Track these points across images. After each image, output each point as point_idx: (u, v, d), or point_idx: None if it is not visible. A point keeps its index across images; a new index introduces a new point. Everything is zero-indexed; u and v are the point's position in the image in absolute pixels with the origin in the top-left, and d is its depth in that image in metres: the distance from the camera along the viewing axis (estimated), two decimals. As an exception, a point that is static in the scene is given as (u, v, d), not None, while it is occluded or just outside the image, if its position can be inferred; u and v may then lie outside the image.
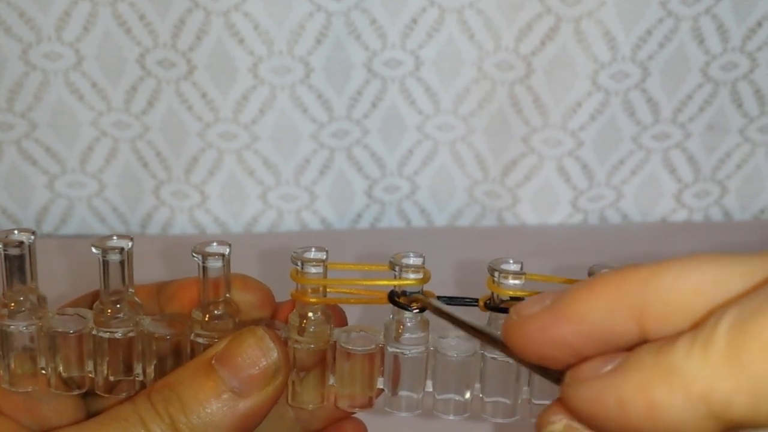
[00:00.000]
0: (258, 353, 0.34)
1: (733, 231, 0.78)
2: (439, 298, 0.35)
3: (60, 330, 0.36)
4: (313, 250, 0.35)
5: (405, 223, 0.79)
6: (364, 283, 0.35)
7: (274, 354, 0.34)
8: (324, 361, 0.37)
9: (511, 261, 0.35)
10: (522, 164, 0.76)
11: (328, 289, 0.36)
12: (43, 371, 0.37)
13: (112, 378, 0.37)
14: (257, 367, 0.34)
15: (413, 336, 0.36)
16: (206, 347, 0.35)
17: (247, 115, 0.73)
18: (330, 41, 0.71)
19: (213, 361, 0.34)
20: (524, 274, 0.34)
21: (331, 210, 0.78)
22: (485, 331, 0.32)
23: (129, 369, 0.37)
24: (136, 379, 0.37)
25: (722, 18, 0.71)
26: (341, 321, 0.39)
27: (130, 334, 0.36)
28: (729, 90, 0.74)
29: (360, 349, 0.36)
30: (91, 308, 0.37)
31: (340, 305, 0.39)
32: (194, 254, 0.35)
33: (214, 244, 0.36)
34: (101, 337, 0.36)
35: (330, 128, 0.74)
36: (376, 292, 0.35)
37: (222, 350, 0.34)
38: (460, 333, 0.36)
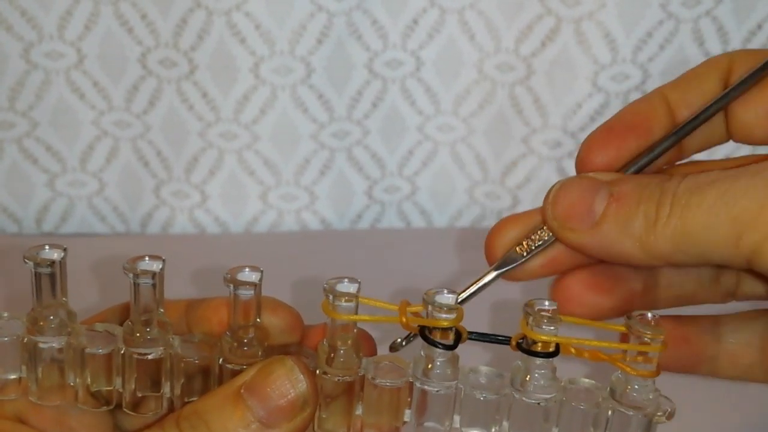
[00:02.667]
0: (287, 384, 0.34)
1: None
2: (470, 334, 0.36)
3: (90, 351, 0.36)
4: (346, 281, 0.35)
5: (405, 223, 0.79)
6: (395, 320, 0.35)
7: (303, 386, 0.34)
8: (352, 389, 0.36)
9: (547, 302, 0.35)
10: (522, 165, 0.77)
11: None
12: (71, 384, 0.37)
13: (139, 394, 0.37)
14: (286, 399, 0.34)
15: (442, 372, 0.35)
16: (235, 373, 0.35)
17: (248, 115, 0.73)
18: (331, 41, 0.71)
19: (242, 391, 0.34)
20: (559, 319, 0.35)
21: (331, 210, 0.78)
22: None
23: (156, 386, 0.37)
24: (165, 395, 0.37)
25: (722, 20, 0.71)
26: (371, 350, 0.38)
27: (160, 355, 0.36)
28: (729, 92, 0.74)
29: (389, 383, 0.36)
30: (119, 323, 0.37)
31: (371, 335, 0.39)
32: (226, 282, 0.35)
33: (246, 269, 0.35)
34: (130, 356, 0.36)
35: (330, 128, 0.75)
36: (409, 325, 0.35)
37: (251, 380, 0.34)
38: (490, 369, 0.37)
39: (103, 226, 0.77)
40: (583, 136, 0.75)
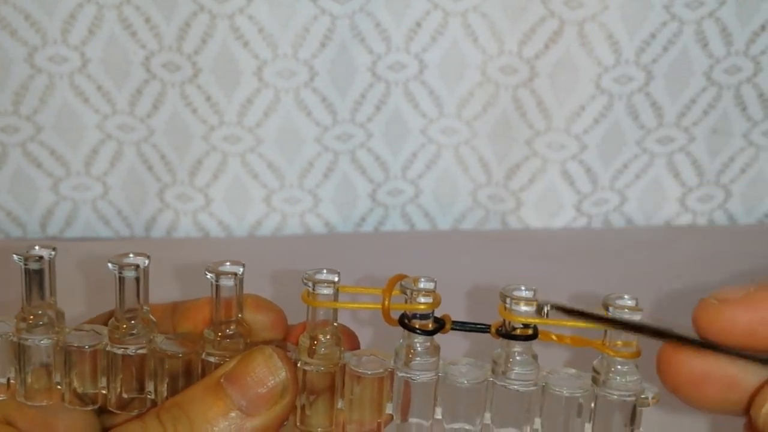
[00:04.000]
0: (266, 372, 0.34)
1: (738, 235, 0.78)
2: (454, 323, 0.36)
3: (75, 345, 0.36)
4: (325, 271, 0.36)
5: (409, 226, 0.79)
6: (376, 307, 0.35)
7: (282, 373, 0.34)
8: (334, 384, 0.37)
9: (523, 288, 0.35)
10: (526, 168, 0.76)
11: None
12: (59, 386, 0.37)
13: (125, 395, 0.37)
14: (265, 387, 0.34)
15: (423, 361, 0.35)
16: (217, 366, 0.36)
17: (252, 119, 0.73)
18: (334, 44, 0.71)
19: (222, 380, 0.34)
20: (536, 301, 0.34)
21: (335, 213, 0.78)
22: (648, 326, 0.33)
23: (141, 386, 0.37)
24: (148, 397, 0.37)
25: (726, 22, 0.71)
26: (353, 344, 0.38)
27: (143, 351, 0.36)
28: (733, 94, 0.74)
29: (369, 372, 0.36)
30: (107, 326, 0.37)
31: (352, 330, 0.39)
32: (207, 273, 0.36)
33: (228, 263, 0.36)
34: (115, 353, 0.36)
35: (334, 131, 0.75)
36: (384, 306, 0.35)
37: (231, 369, 0.34)
38: (471, 360, 0.36)
39: (108, 230, 0.77)
40: (587, 138, 0.75)
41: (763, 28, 0.71)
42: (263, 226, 0.78)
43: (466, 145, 0.76)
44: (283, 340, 0.39)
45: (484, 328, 0.36)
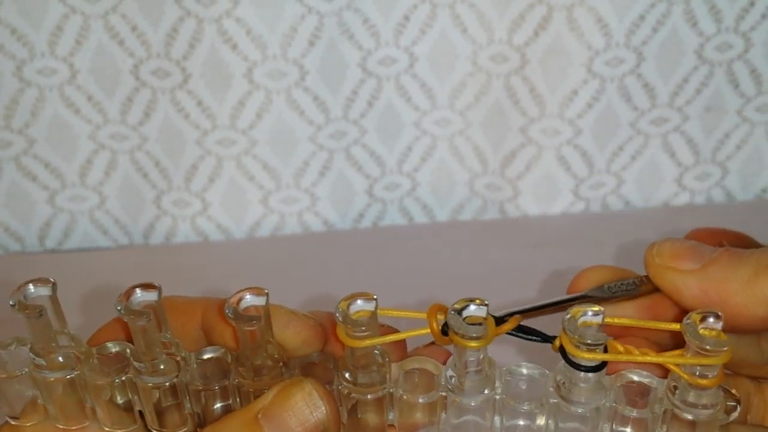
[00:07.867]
0: (306, 410, 0.33)
1: (736, 211, 0.78)
2: (520, 328, 0.34)
3: (100, 382, 0.35)
4: (359, 301, 0.33)
5: (407, 220, 0.79)
6: (424, 332, 0.34)
7: (322, 411, 0.33)
8: (383, 401, 0.35)
9: (590, 311, 0.33)
10: (521, 155, 0.76)
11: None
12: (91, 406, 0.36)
13: (162, 404, 0.36)
14: (303, 426, 0.33)
15: (476, 385, 0.34)
16: (254, 395, 0.34)
17: (244, 121, 0.73)
18: (323, 42, 0.71)
19: (259, 416, 0.33)
20: (605, 337, 0.32)
21: (332, 211, 0.78)
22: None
23: (177, 396, 0.36)
24: (187, 413, 0.36)
25: (714, -1, 0.71)
26: (400, 351, 0.36)
27: (172, 383, 0.35)
28: (725, 71, 0.74)
29: (420, 400, 0.34)
30: (127, 330, 0.35)
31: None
32: (230, 318, 0.33)
33: (248, 296, 0.33)
34: (144, 384, 0.35)
35: (327, 129, 0.74)
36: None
37: (269, 405, 0.33)
38: (531, 366, 0.35)
39: (106, 240, 0.77)
40: (581, 122, 0.75)
41: (751, 3, 0.71)
42: (262, 227, 0.78)
43: (460, 135, 0.76)
44: (322, 352, 0.37)
45: (547, 339, 0.34)
